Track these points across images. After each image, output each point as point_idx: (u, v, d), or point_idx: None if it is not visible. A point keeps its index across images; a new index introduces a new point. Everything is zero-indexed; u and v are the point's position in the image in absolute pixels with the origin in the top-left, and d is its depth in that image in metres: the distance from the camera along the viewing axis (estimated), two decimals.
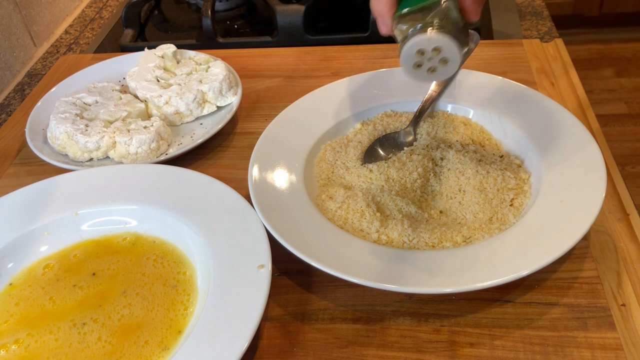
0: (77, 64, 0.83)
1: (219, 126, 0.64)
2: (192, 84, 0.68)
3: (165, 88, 0.68)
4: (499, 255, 0.46)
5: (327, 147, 0.59)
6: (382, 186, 0.55)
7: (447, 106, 0.63)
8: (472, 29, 0.80)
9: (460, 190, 0.53)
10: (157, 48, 0.74)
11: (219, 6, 0.94)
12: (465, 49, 0.43)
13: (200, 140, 0.63)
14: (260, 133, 0.60)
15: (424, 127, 0.61)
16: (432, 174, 0.55)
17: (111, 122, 0.64)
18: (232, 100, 0.68)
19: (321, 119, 0.62)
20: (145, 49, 0.75)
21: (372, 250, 0.48)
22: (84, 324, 0.46)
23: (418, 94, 0.64)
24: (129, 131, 0.62)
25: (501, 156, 0.57)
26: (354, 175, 0.56)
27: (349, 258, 0.47)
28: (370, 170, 0.56)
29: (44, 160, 0.63)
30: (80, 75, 0.75)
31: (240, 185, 0.54)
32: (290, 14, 0.83)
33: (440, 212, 0.51)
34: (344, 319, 0.47)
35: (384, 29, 0.45)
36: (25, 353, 0.45)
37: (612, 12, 2.41)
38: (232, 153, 0.65)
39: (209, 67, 0.71)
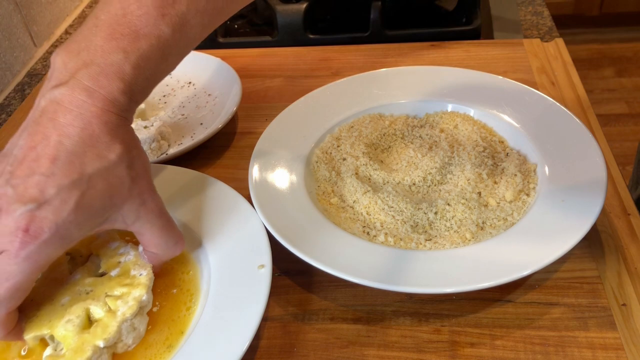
0: None
1: (219, 126, 0.64)
2: None
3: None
4: (500, 255, 0.46)
5: (328, 146, 0.59)
6: (384, 185, 0.55)
7: (447, 106, 0.63)
8: (471, 28, 0.80)
9: (461, 190, 0.53)
10: None
11: None
12: None
13: (200, 140, 0.63)
14: (260, 133, 0.60)
15: (427, 126, 0.61)
16: (434, 174, 0.55)
17: None
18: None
19: (321, 118, 0.62)
20: None
21: (372, 250, 0.48)
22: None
23: (419, 94, 0.64)
24: None
25: (507, 154, 0.57)
26: (354, 175, 0.56)
27: (349, 258, 0.47)
28: (373, 169, 0.56)
29: None
30: None
31: (241, 185, 0.54)
32: (290, 13, 0.83)
33: (442, 211, 0.51)
34: (344, 319, 0.47)
35: None
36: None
37: (612, 11, 2.41)
38: (232, 153, 0.65)
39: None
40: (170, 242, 0.45)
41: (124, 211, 0.41)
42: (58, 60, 0.41)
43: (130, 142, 0.41)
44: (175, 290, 0.48)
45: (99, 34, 0.40)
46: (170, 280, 0.49)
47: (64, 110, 0.39)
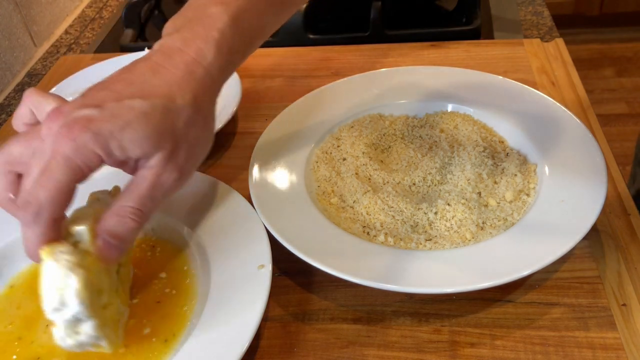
0: (77, 64, 0.82)
1: (219, 126, 0.64)
2: None
3: None
4: (500, 255, 0.46)
5: (328, 146, 0.59)
6: (384, 185, 0.55)
7: (447, 106, 0.63)
8: (471, 28, 0.80)
9: (461, 190, 0.53)
10: None
11: None
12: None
13: None
14: (260, 133, 0.60)
15: (427, 126, 0.61)
16: (434, 174, 0.55)
17: None
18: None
19: (321, 118, 0.62)
20: (146, 49, 0.75)
21: (372, 250, 0.48)
22: None
23: (419, 94, 0.64)
24: None
25: (507, 154, 0.57)
26: (354, 175, 0.56)
27: (349, 258, 0.47)
28: (373, 169, 0.56)
29: None
30: (81, 75, 0.75)
31: (241, 185, 0.54)
32: None
33: (442, 211, 0.51)
34: (344, 319, 0.47)
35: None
36: (36, 350, 0.45)
37: (612, 11, 2.41)
38: (232, 153, 0.65)
39: None
40: (150, 207, 0.41)
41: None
42: (169, 23, 0.44)
43: (201, 103, 0.42)
44: (174, 291, 0.48)
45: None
46: (169, 280, 0.49)
47: (160, 53, 0.42)
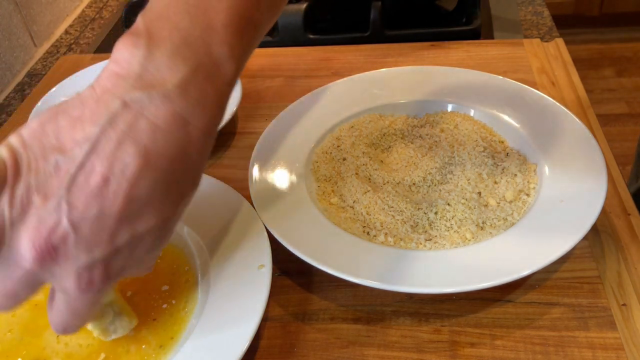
0: (77, 64, 0.82)
1: (219, 126, 0.64)
2: None
3: None
4: (499, 255, 0.46)
5: (328, 146, 0.59)
6: (384, 185, 0.55)
7: (447, 106, 0.63)
8: (471, 28, 0.80)
9: (462, 190, 0.53)
10: None
11: None
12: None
13: None
14: (260, 133, 0.60)
15: (427, 126, 0.61)
16: (434, 174, 0.55)
17: None
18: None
19: (321, 118, 0.62)
20: None
21: (372, 250, 0.48)
22: None
23: (419, 94, 0.64)
24: None
25: (507, 154, 0.57)
26: (354, 175, 0.56)
27: (349, 258, 0.47)
28: (373, 169, 0.56)
29: None
30: (80, 75, 0.75)
31: (241, 185, 0.54)
32: (290, 13, 0.83)
33: (442, 211, 0.51)
34: (344, 319, 0.47)
35: None
36: (47, 354, 0.45)
37: (612, 11, 2.41)
38: (232, 153, 0.65)
39: None
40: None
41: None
42: (137, 53, 0.34)
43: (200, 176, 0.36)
44: (174, 301, 0.48)
45: (195, 21, 0.32)
46: (169, 280, 0.49)
47: (156, 131, 0.31)
